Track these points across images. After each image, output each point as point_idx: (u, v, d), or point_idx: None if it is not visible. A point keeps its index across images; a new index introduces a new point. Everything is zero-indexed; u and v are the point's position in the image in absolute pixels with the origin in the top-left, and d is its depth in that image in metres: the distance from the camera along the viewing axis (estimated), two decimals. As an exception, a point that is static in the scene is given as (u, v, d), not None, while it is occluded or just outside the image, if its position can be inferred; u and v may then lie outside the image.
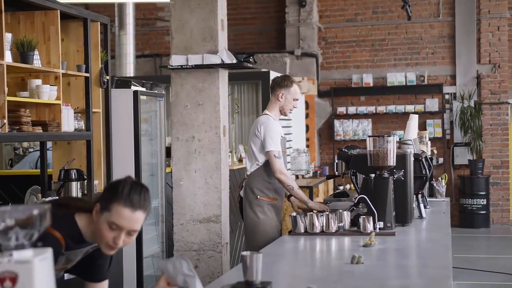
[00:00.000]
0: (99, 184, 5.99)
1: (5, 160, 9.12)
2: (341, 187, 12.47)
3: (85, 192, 5.73)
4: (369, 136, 4.56)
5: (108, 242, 2.66)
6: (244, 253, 2.79)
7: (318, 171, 11.55)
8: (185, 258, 2.67)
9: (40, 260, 1.79)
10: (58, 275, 2.86)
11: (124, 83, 6.68)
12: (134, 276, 6.37)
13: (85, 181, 5.70)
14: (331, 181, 11.51)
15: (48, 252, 1.83)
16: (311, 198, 9.14)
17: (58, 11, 5.32)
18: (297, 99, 5.44)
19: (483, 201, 12.49)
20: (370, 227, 4.27)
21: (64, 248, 2.70)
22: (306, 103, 12.67)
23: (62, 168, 5.59)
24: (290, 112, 5.53)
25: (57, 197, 5.06)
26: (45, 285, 1.80)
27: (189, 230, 5.87)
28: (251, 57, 6.44)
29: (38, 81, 5.14)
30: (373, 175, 4.50)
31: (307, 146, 12.53)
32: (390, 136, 4.52)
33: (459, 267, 8.84)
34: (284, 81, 5.42)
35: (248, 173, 5.45)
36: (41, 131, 5.06)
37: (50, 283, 1.83)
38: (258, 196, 5.32)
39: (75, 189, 5.56)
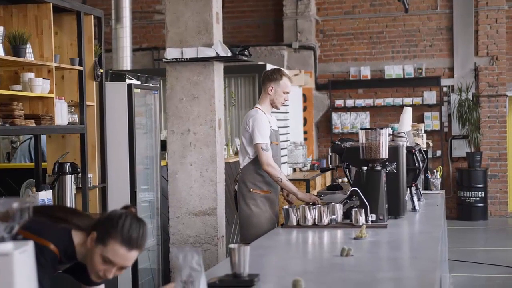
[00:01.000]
0: (93, 178, 5.99)
1: (2, 153, 9.12)
2: (339, 180, 12.49)
3: (79, 185, 5.73)
4: (361, 129, 4.57)
5: (99, 273, 2.68)
6: (232, 246, 2.81)
7: (316, 164, 11.55)
8: (198, 252, 2.69)
9: (20, 252, 1.79)
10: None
11: (119, 76, 6.67)
12: (129, 269, 6.37)
13: (79, 174, 5.70)
14: (328, 174, 11.52)
15: (29, 245, 1.84)
16: (307, 191, 9.15)
17: (51, 4, 5.31)
18: (287, 92, 5.44)
19: (481, 194, 12.49)
20: (362, 219, 4.28)
21: (58, 262, 2.71)
22: (304, 96, 12.68)
23: (56, 162, 5.59)
24: (283, 105, 5.54)
25: (52, 205, 5.01)
26: (25, 277, 1.81)
27: (185, 223, 5.87)
28: (246, 50, 6.43)
29: (31, 75, 5.13)
30: (365, 167, 4.50)
31: (305, 139, 12.54)
32: (382, 129, 4.52)
33: (456, 260, 8.85)
34: (274, 75, 5.44)
35: (241, 167, 5.48)
36: (34, 124, 5.05)
37: (31, 276, 1.84)
38: (251, 189, 5.34)
39: (69, 183, 5.55)
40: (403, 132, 5.24)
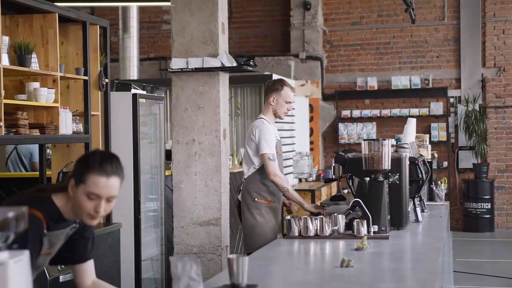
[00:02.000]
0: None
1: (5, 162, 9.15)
2: (345, 191, 12.46)
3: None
4: (364, 140, 4.57)
5: (90, 212, 2.73)
6: (230, 256, 2.81)
7: (322, 175, 11.55)
8: (196, 262, 2.71)
9: (15, 262, 1.80)
10: (44, 262, 2.91)
11: (125, 86, 6.70)
12: (132, 279, 6.38)
13: (84, 183, 5.71)
14: (334, 184, 11.50)
15: (24, 254, 1.85)
16: (313, 201, 9.15)
17: (57, 14, 5.35)
18: (289, 102, 5.47)
19: (487, 205, 12.45)
20: (364, 230, 4.27)
21: (46, 228, 2.76)
22: (311, 106, 12.69)
23: (60, 171, 5.62)
24: (286, 115, 5.56)
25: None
26: (20, 287, 1.82)
27: (189, 233, 5.88)
28: (251, 60, 6.45)
29: (36, 84, 5.17)
30: (368, 178, 4.50)
31: (311, 149, 12.54)
32: (385, 139, 4.52)
33: (462, 271, 8.82)
34: (275, 85, 5.48)
35: (245, 177, 5.49)
36: (38, 133, 5.08)
37: (26, 285, 1.85)
38: (256, 199, 5.36)
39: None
40: (406, 143, 5.23)
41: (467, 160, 12.82)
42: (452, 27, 13.03)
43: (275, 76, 10.46)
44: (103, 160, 2.74)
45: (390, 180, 4.56)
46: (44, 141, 5.37)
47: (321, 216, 4.47)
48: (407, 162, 4.78)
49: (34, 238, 2.70)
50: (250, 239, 5.37)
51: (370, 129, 13.12)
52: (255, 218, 5.34)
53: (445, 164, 12.81)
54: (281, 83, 5.48)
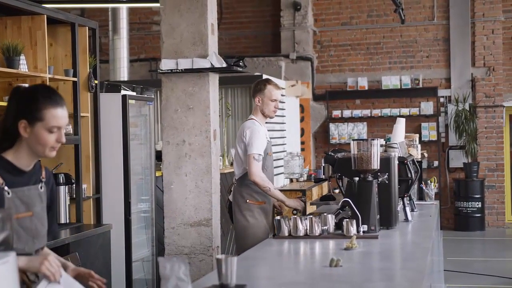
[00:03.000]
0: (87, 188, 6.00)
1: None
2: (337, 191, 12.48)
3: (74, 196, 5.74)
4: (353, 140, 4.58)
5: (53, 145, 2.78)
6: (219, 256, 2.82)
7: (313, 175, 11.55)
8: (185, 262, 2.72)
9: (1, 264, 1.80)
10: (34, 226, 2.83)
11: (114, 87, 6.69)
12: (123, 280, 6.38)
13: (73, 185, 5.71)
14: (325, 184, 11.52)
15: (11, 256, 1.85)
16: (304, 202, 9.14)
17: (45, 16, 5.34)
18: (275, 100, 5.48)
19: (478, 204, 12.49)
20: (353, 230, 4.28)
21: (2, 183, 2.72)
22: (301, 107, 12.71)
23: (50, 172, 5.60)
24: (275, 113, 5.58)
25: None
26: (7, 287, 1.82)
27: (180, 234, 5.88)
28: (241, 61, 6.45)
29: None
30: (357, 178, 4.51)
31: (302, 149, 12.56)
32: (374, 139, 4.53)
33: (452, 270, 8.85)
34: (258, 85, 5.53)
35: (236, 178, 5.50)
36: (27, 135, 5.07)
37: (14, 286, 1.84)
38: (248, 200, 5.37)
39: (63, 194, 5.57)
40: (395, 143, 5.25)
41: (457, 159, 12.86)
42: (441, 27, 13.07)
43: (265, 77, 10.47)
44: (51, 93, 2.79)
45: (379, 179, 4.57)
46: (34, 142, 5.35)
47: (310, 216, 4.47)
48: (396, 162, 4.80)
49: None
50: (242, 240, 5.38)
51: (361, 129, 13.14)
52: (247, 220, 5.35)
53: (436, 163, 12.84)
54: (263, 83, 5.53)
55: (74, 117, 5.75)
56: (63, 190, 5.56)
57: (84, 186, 5.88)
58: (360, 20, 13.37)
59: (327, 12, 13.47)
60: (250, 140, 5.29)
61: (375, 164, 4.49)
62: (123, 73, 10.82)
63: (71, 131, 5.71)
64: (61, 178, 5.56)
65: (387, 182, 4.62)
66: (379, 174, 4.58)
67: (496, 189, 12.88)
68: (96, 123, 6.16)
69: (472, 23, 12.90)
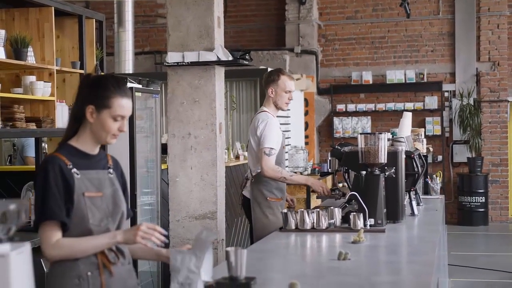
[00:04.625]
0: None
1: (4, 156, 9.14)
2: (340, 184, 12.48)
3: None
4: (360, 134, 4.57)
5: (114, 133, 2.89)
6: (228, 249, 2.82)
7: (317, 168, 11.56)
8: (196, 254, 2.73)
9: (17, 253, 1.81)
10: (104, 207, 2.92)
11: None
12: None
13: (80, 177, 5.71)
14: (329, 178, 11.52)
15: (26, 246, 1.86)
16: (308, 195, 9.14)
17: (53, 8, 5.34)
18: (289, 91, 5.37)
19: (481, 199, 12.50)
20: (360, 224, 4.28)
21: (70, 165, 2.83)
22: (306, 101, 12.70)
23: (56, 164, 5.60)
24: (287, 105, 5.44)
25: None
26: (21, 279, 1.82)
27: (185, 227, 5.88)
28: (247, 54, 6.45)
29: (32, 78, 5.16)
30: (364, 172, 4.51)
31: (307, 143, 12.55)
32: (381, 133, 4.53)
33: (456, 265, 8.86)
34: (271, 76, 5.39)
35: (253, 174, 5.38)
36: (35, 127, 5.08)
37: (28, 277, 1.85)
38: (268, 198, 5.28)
39: (70, 185, 5.57)
40: (402, 137, 5.25)
41: (461, 154, 12.86)
42: (446, 22, 13.05)
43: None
44: (120, 83, 2.91)
45: (386, 173, 4.57)
46: (41, 134, 5.37)
47: (317, 209, 4.47)
48: (403, 156, 4.80)
49: (55, 177, 2.79)
50: (262, 237, 5.28)
51: (365, 123, 13.14)
52: (267, 217, 5.26)
53: (440, 158, 12.84)
54: (277, 73, 5.40)
55: (81, 109, 5.74)
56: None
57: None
58: (365, 14, 13.35)
59: (332, 6, 13.45)
60: (263, 133, 5.20)
61: (383, 158, 4.49)
62: (128, 66, 10.81)
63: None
64: (68, 170, 5.56)
65: (394, 176, 4.61)
66: (386, 168, 4.57)
67: (500, 184, 12.88)
68: (103, 116, 6.15)
69: (477, 17, 12.88)
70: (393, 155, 4.65)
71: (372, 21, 13.32)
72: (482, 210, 12.52)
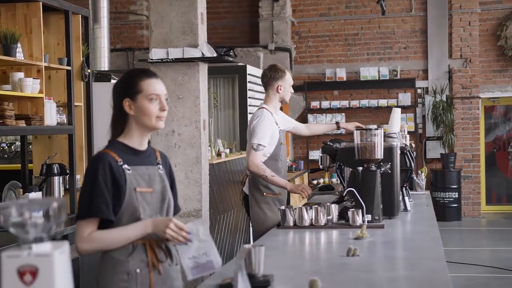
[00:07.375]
0: (81, 179, 5.92)
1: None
2: (321, 181, 12.53)
3: (67, 187, 5.66)
4: (356, 129, 4.57)
5: (157, 114, 2.92)
6: (247, 246, 2.79)
7: (293, 165, 11.59)
8: (202, 223, 2.73)
9: (60, 253, 1.77)
10: (155, 202, 2.94)
11: (104, 76, 6.62)
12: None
13: (68, 175, 5.63)
14: (305, 175, 11.56)
15: (66, 245, 1.81)
16: (288, 195, 9.14)
17: (41, 3, 5.24)
18: (291, 84, 5.52)
19: (455, 195, 12.63)
20: (359, 220, 4.29)
21: (121, 161, 2.87)
22: (280, 98, 12.67)
23: (44, 163, 5.52)
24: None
25: None
26: (64, 277, 1.78)
27: (170, 225, 5.82)
28: (232, 51, 6.42)
29: (21, 74, 5.06)
30: (360, 168, 4.51)
31: (281, 140, 12.54)
32: (377, 129, 4.54)
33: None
34: (278, 73, 5.42)
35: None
36: (24, 125, 4.98)
37: (69, 276, 1.81)
38: (264, 193, 5.27)
39: (57, 184, 5.49)
40: (395, 133, 5.27)
41: (434, 150, 12.98)
42: (419, 19, 13.16)
43: (249, 67, 10.45)
44: (141, 69, 3.00)
45: (382, 169, 4.58)
46: (31, 132, 5.28)
47: (315, 206, 4.46)
48: (398, 151, 4.82)
49: (104, 174, 2.82)
50: (261, 233, 5.26)
51: (339, 120, 13.17)
52: (265, 213, 5.27)
53: (414, 154, 12.92)
54: (281, 70, 5.46)
55: (68, 106, 5.66)
56: (57, 181, 5.49)
57: (77, 176, 5.80)
58: (338, 11, 13.39)
59: (305, 3, 13.47)
60: (254, 129, 5.21)
61: (379, 154, 4.50)
62: (104, 63, 10.68)
63: (65, 121, 5.63)
64: (56, 168, 5.48)
65: (389, 171, 4.62)
66: (381, 163, 4.58)
67: (472, 180, 13.03)
68: (89, 113, 6.07)
69: (449, 15, 13.00)
70: (388, 151, 4.66)
71: (346, 18, 13.36)
72: (455, 205, 12.66)
